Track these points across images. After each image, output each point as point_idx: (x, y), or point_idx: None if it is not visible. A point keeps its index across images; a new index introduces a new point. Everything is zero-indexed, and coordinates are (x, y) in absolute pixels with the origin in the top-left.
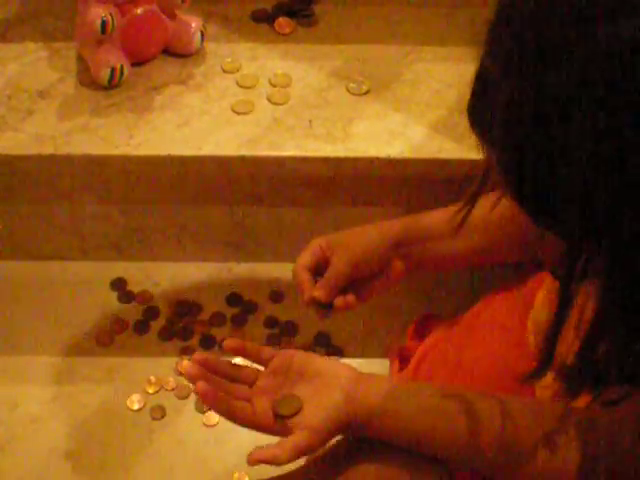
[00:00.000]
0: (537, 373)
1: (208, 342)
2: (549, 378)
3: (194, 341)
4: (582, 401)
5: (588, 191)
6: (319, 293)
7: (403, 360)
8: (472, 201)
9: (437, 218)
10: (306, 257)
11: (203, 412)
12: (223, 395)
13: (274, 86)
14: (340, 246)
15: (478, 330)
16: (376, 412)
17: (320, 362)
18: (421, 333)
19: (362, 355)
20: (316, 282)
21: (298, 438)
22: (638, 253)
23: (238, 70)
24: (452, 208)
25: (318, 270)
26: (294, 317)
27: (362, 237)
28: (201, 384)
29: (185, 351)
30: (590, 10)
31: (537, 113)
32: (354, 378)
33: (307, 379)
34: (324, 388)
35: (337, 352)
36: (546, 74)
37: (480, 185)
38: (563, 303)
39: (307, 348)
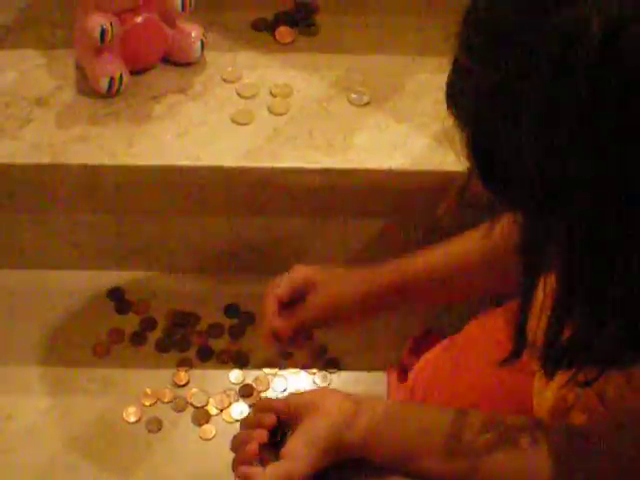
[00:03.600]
0: (512, 356)
1: (205, 354)
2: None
3: (191, 353)
4: (558, 381)
5: (537, 163)
6: (280, 327)
7: (401, 375)
8: (461, 193)
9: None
10: (283, 289)
11: (199, 425)
12: None
13: (274, 96)
14: (322, 286)
15: (474, 346)
16: (364, 434)
17: (308, 395)
18: (419, 349)
19: (360, 368)
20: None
21: (277, 465)
22: (595, 229)
23: (238, 80)
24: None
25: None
26: None
27: (347, 284)
28: None
29: (182, 363)
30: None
31: (490, 87)
32: (339, 402)
33: (300, 417)
34: (308, 417)
35: (334, 365)
36: (498, 56)
37: (468, 179)
38: (527, 283)
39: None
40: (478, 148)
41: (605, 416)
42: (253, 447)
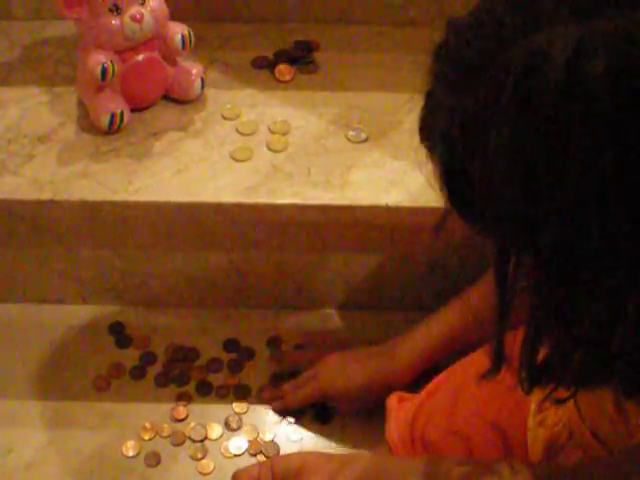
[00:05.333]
0: (490, 373)
1: (205, 388)
2: None
3: (191, 387)
4: (535, 398)
5: (507, 193)
6: None
7: (402, 398)
8: (437, 229)
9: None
10: None
11: (198, 460)
12: None
13: (273, 133)
14: None
15: (475, 377)
16: None
17: (293, 463)
18: (420, 380)
19: None
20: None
21: None
22: (564, 259)
23: (238, 117)
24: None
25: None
26: None
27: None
28: None
29: (181, 397)
30: (506, 29)
31: (461, 117)
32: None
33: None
34: None
35: None
36: (468, 87)
37: (443, 216)
38: (501, 304)
39: None
40: (450, 178)
41: (600, 450)
42: None
